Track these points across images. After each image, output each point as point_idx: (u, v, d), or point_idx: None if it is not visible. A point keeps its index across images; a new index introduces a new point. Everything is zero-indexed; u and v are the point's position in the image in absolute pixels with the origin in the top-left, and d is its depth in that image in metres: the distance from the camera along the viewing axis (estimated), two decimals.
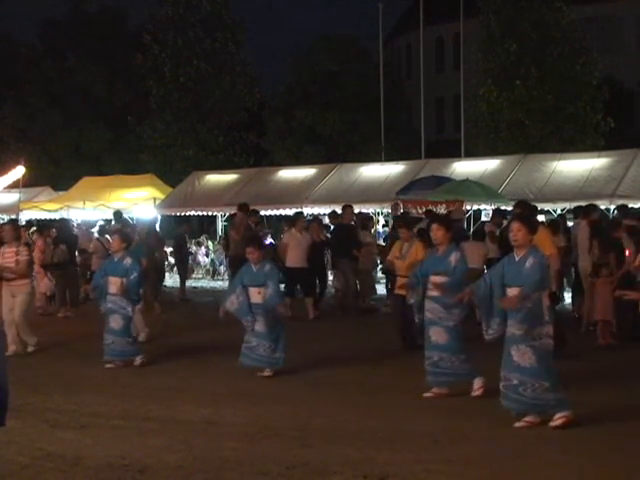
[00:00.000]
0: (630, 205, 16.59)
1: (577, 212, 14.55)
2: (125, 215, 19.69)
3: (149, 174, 27.35)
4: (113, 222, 17.65)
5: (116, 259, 10.23)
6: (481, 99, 28.92)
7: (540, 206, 16.77)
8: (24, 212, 24.32)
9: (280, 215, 23.26)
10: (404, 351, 10.49)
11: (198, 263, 23.94)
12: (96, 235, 18.00)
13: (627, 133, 30.64)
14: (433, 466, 5.83)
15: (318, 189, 22.11)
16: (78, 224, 22.03)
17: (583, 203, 14.69)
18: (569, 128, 28.24)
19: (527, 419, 6.86)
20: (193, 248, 23.76)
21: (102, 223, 21.13)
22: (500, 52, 28.51)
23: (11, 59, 37.41)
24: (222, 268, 22.82)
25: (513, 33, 28.30)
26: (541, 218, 16.69)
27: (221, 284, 21.29)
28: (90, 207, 24.19)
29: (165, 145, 33.48)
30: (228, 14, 34.17)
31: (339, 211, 16.91)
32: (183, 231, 19.45)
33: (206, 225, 31.54)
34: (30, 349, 11.01)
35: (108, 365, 9.92)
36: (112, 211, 19.88)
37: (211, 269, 23.70)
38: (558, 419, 6.75)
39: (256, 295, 9.22)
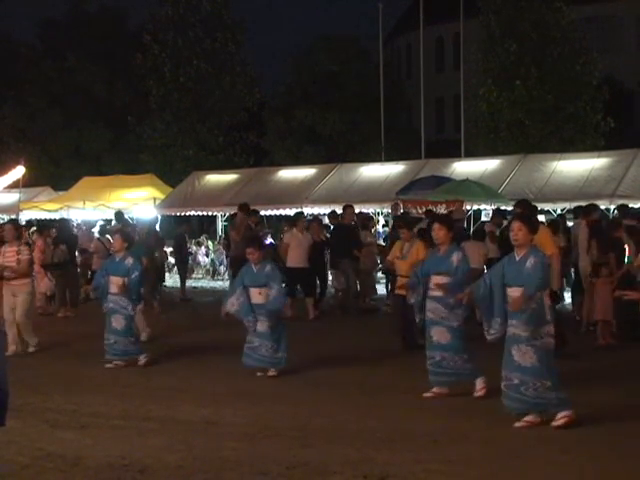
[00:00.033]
0: (630, 205, 16.58)
1: (577, 212, 14.55)
2: (125, 215, 19.68)
3: (149, 174, 27.35)
4: (114, 222, 17.65)
5: (118, 259, 10.24)
6: (481, 99, 28.93)
7: (540, 206, 16.76)
8: (24, 212, 24.31)
9: (280, 215, 23.26)
10: (404, 351, 10.50)
11: (198, 263, 23.95)
12: (97, 235, 18.02)
13: (627, 133, 30.64)
14: (433, 466, 5.83)
15: (318, 189, 22.11)
16: (78, 224, 22.04)
17: (583, 203, 14.69)
18: (569, 128, 28.25)
19: (527, 419, 6.86)
20: (193, 248, 23.77)
21: (102, 223, 21.14)
22: (500, 52, 28.52)
23: (11, 59, 37.42)
24: (222, 268, 22.83)
25: (513, 33, 28.31)
26: (541, 218, 16.68)
27: (221, 284, 21.30)
28: (90, 207, 24.19)
29: (165, 145, 33.49)
30: (228, 14, 34.18)
31: (339, 211, 16.92)
32: (183, 231, 19.45)
33: (206, 225, 31.55)
34: (31, 349, 11.02)
35: (108, 365, 9.92)
36: (112, 211, 19.91)
37: (211, 269, 23.71)
38: (560, 419, 6.75)
39: (257, 295, 9.23)
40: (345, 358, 10.19)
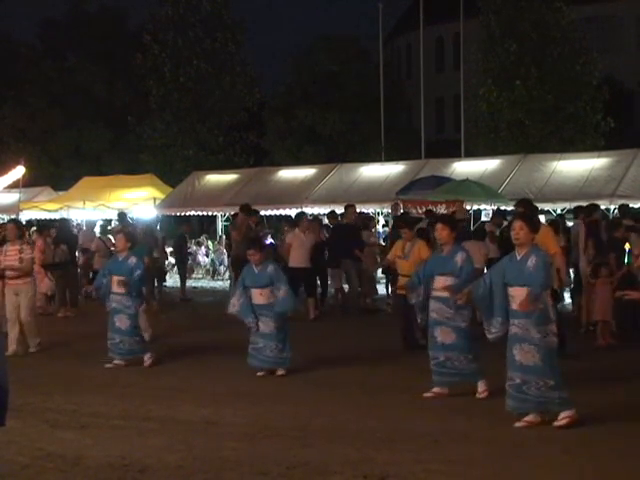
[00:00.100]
0: (630, 205, 16.57)
1: (577, 212, 14.55)
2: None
3: (149, 174, 27.35)
4: (115, 222, 17.69)
5: (120, 258, 10.24)
6: (481, 99, 28.93)
7: (540, 206, 16.76)
8: (24, 212, 24.30)
9: (280, 215, 23.26)
10: (405, 351, 10.50)
11: (198, 263, 23.95)
12: (98, 234, 18.04)
13: (627, 133, 30.63)
14: (433, 466, 5.83)
15: (318, 189, 22.11)
16: (78, 224, 22.05)
17: (583, 203, 14.69)
18: (569, 128, 28.25)
19: (527, 419, 6.86)
20: (193, 248, 23.77)
21: (102, 223, 21.15)
22: (500, 52, 28.52)
23: (11, 59, 37.42)
24: (222, 268, 22.84)
25: (513, 33, 28.31)
26: (541, 218, 16.68)
27: (221, 284, 21.31)
28: (90, 207, 24.20)
29: (165, 145, 33.49)
30: (228, 14, 34.19)
31: (339, 211, 16.91)
32: (183, 231, 19.46)
33: (206, 225, 31.55)
34: (32, 350, 11.00)
35: (108, 365, 9.92)
36: (112, 211, 19.94)
37: (211, 269, 23.71)
38: (562, 419, 6.75)
39: (258, 296, 9.24)
40: (346, 358, 10.18)
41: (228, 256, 19.75)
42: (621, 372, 9.25)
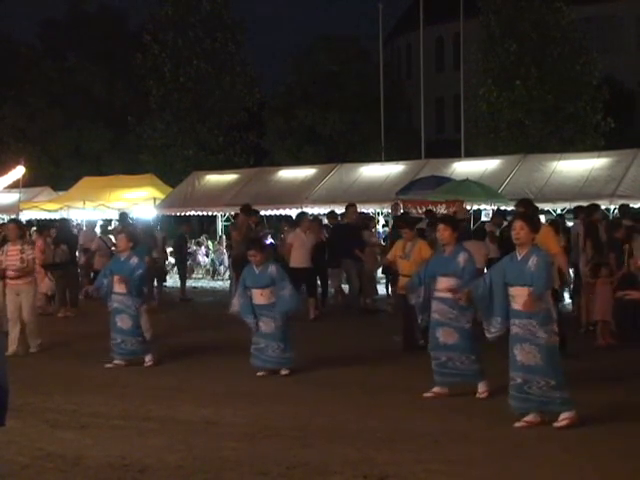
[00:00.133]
0: (630, 205, 16.57)
1: (577, 212, 14.55)
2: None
3: (149, 174, 27.36)
4: (116, 223, 17.71)
5: (122, 258, 10.23)
6: (481, 99, 28.94)
7: (540, 206, 16.74)
8: (24, 212, 24.30)
9: (280, 215, 23.27)
10: (405, 351, 10.50)
11: (198, 263, 23.95)
12: (98, 234, 18.05)
13: (627, 133, 30.62)
14: (433, 466, 5.83)
15: (318, 189, 22.11)
16: (78, 224, 22.05)
17: (583, 203, 14.69)
18: (569, 128, 28.27)
19: (527, 419, 6.85)
20: (193, 248, 23.77)
21: (102, 223, 21.15)
22: (500, 52, 28.53)
23: (11, 59, 37.41)
24: (222, 268, 22.84)
25: (513, 33, 28.32)
26: (541, 218, 16.68)
27: (221, 284, 21.31)
28: (90, 207, 24.20)
29: (165, 145, 33.48)
30: (228, 14, 34.17)
31: (339, 211, 16.91)
32: (183, 231, 19.46)
33: (206, 225, 31.54)
34: (32, 350, 11.00)
35: (108, 365, 9.92)
36: (112, 211, 19.95)
37: (211, 269, 23.71)
38: (563, 420, 6.75)
39: (259, 297, 9.25)
40: (346, 358, 10.18)
41: (228, 256, 19.75)
42: (621, 372, 9.25)
